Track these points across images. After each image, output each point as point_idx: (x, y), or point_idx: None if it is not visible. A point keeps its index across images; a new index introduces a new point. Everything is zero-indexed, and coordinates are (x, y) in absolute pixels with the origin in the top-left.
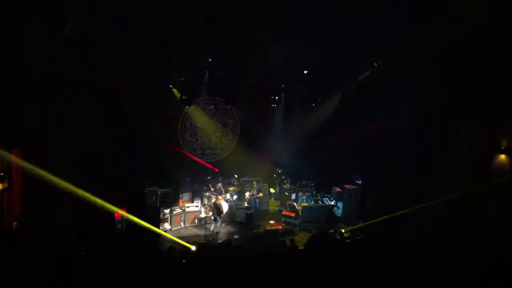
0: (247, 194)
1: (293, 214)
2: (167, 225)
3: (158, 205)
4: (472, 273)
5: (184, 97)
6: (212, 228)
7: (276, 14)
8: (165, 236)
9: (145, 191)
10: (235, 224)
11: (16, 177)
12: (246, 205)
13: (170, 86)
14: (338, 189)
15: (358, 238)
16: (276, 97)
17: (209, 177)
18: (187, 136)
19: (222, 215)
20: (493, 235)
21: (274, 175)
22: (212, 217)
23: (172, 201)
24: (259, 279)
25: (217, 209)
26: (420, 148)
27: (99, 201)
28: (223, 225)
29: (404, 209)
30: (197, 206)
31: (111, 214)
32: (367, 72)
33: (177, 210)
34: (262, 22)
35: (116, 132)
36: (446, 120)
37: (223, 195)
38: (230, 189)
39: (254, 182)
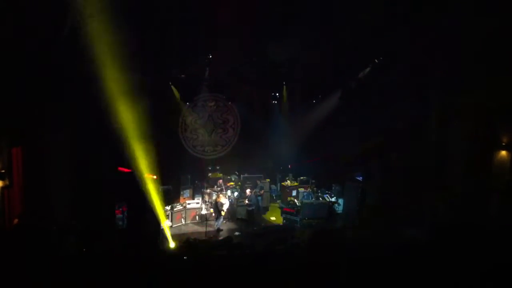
0: (247, 191)
1: (293, 211)
2: (168, 222)
3: None
4: (472, 271)
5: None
6: (216, 225)
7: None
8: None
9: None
10: (236, 220)
11: (16, 174)
12: (246, 201)
13: (170, 83)
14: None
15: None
16: (277, 94)
17: (210, 174)
18: (187, 133)
19: (223, 212)
20: (493, 234)
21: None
22: (213, 214)
23: (173, 198)
24: (260, 277)
25: (217, 206)
26: (420, 145)
27: None
28: (224, 222)
29: (404, 207)
30: (198, 203)
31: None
32: (368, 69)
33: (178, 207)
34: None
35: (116, 129)
36: (446, 117)
37: (224, 192)
38: (229, 184)
39: (257, 181)
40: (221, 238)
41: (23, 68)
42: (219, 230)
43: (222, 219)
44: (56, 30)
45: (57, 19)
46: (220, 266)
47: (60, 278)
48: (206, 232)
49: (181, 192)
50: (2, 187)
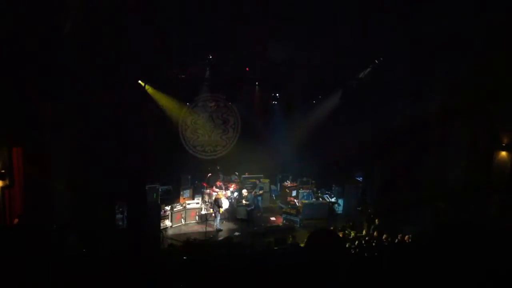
0: (243, 191)
1: (293, 211)
2: (168, 222)
3: (159, 202)
4: (472, 272)
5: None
6: (215, 225)
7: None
8: (165, 233)
9: (146, 188)
10: (236, 221)
11: (17, 174)
12: (245, 202)
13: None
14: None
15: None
16: (277, 94)
17: (210, 174)
18: (188, 133)
19: (221, 210)
20: (493, 234)
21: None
22: (213, 213)
23: (172, 198)
24: (260, 277)
25: (217, 204)
26: (421, 145)
27: None
28: (223, 222)
29: (404, 207)
30: (197, 203)
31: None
32: (368, 69)
33: (178, 207)
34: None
35: (116, 129)
36: (446, 117)
37: (224, 192)
38: (230, 184)
39: (257, 181)
40: (221, 238)
41: (23, 68)
42: (218, 230)
43: (219, 217)
44: (56, 30)
45: (57, 19)
46: (220, 266)
47: (60, 278)
48: (206, 232)
49: (181, 192)
50: (3, 187)
